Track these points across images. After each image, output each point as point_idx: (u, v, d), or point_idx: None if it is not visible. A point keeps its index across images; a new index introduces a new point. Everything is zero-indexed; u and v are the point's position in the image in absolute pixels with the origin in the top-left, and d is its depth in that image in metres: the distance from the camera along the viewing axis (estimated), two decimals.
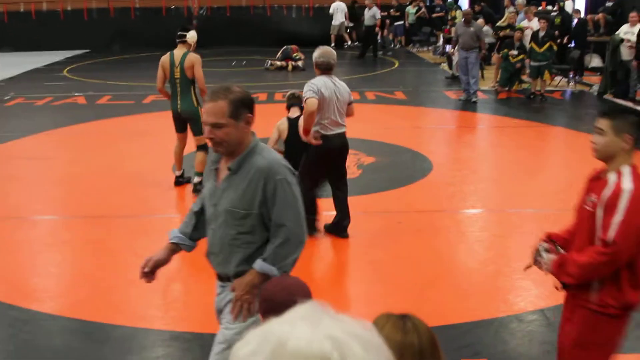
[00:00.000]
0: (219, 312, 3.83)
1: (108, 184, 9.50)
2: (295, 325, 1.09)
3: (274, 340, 1.07)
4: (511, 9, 19.69)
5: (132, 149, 11.51)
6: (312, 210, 7.26)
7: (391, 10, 26.63)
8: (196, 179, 9.02)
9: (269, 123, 11.41)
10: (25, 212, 8.56)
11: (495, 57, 17.61)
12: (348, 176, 9.44)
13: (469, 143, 12.56)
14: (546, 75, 15.33)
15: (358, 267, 6.95)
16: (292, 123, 7.84)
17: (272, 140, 8.72)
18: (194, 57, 8.93)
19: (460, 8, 24.34)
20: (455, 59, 17.35)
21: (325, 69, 7.11)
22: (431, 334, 2.48)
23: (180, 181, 9.37)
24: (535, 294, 6.11)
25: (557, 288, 3.96)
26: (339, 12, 25.93)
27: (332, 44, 26.53)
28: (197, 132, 8.85)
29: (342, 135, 7.27)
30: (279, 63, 21.28)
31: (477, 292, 6.28)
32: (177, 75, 8.95)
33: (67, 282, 6.68)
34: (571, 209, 8.51)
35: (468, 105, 15.07)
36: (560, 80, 17.38)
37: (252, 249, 3.62)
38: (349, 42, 26.80)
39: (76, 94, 17.04)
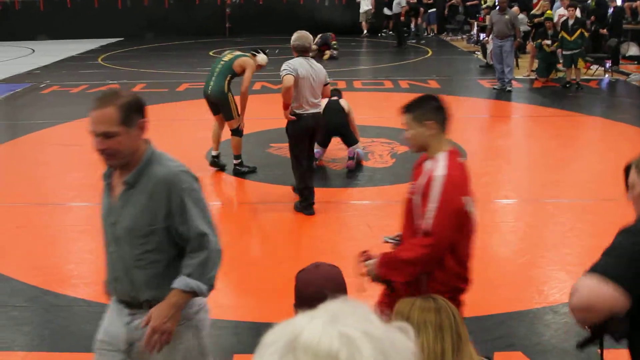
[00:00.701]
0: (130, 344, 3.32)
1: None
2: (313, 319, 1.10)
3: (290, 333, 1.09)
4: None
5: (166, 136, 11.53)
6: (309, 195, 7.89)
7: None
8: (235, 161, 9.28)
9: None
10: (60, 199, 8.65)
11: (530, 45, 17.39)
12: (382, 165, 9.50)
13: (503, 132, 12.44)
14: (580, 63, 15.11)
15: None
16: (330, 101, 9.29)
17: None
18: (251, 62, 9.05)
19: None
20: (489, 47, 17.19)
21: (301, 51, 7.71)
22: (457, 310, 2.70)
23: (215, 161, 9.43)
24: (570, 285, 6.03)
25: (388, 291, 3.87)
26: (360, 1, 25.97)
27: (365, 32, 26.46)
28: (228, 116, 9.00)
29: (317, 115, 7.79)
30: (314, 47, 21.25)
31: (511, 282, 6.22)
32: (225, 59, 9.15)
33: (101, 269, 6.71)
34: (607, 198, 8.39)
35: (502, 94, 14.92)
36: (597, 69, 17.14)
37: (159, 269, 3.26)
38: (365, 32, 26.69)
39: (110, 82, 17.15)
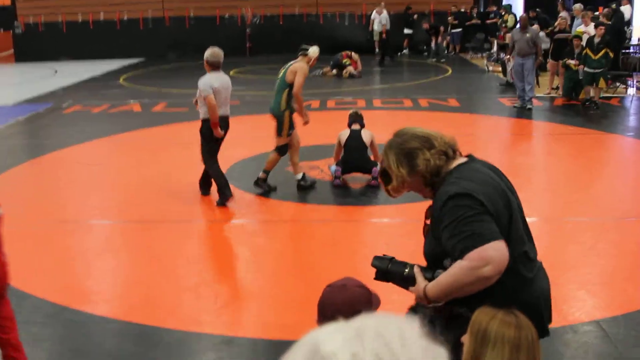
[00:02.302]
0: None
1: (162, 189, 9.61)
2: (336, 332, 1.14)
3: (309, 344, 1.14)
4: (562, 14, 19.35)
5: (186, 155, 11.63)
6: (225, 183, 8.84)
7: (449, 19, 26.50)
8: (261, 174, 9.38)
9: (323, 129, 11.47)
10: (81, 216, 8.71)
11: (550, 63, 17.33)
12: None
13: (523, 151, 12.38)
14: (601, 82, 15.03)
15: None
16: (352, 133, 9.54)
17: (336, 149, 9.83)
18: (300, 65, 9.16)
19: (512, 13, 24.11)
20: (510, 65, 17.16)
21: (216, 66, 8.72)
22: (535, 330, 2.60)
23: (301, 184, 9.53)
24: (590, 305, 5.98)
25: None
26: (373, 20, 26.28)
27: (377, 50, 26.73)
28: (277, 132, 9.24)
29: (226, 118, 8.84)
30: (330, 72, 21.46)
31: None
32: (279, 76, 9.37)
33: (120, 286, 6.76)
34: (627, 217, 8.33)
35: (523, 112, 14.86)
36: (618, 86, 17.06)
37: None
38: (377, 50, 26.95)
39: (132, 102, 17.32)
